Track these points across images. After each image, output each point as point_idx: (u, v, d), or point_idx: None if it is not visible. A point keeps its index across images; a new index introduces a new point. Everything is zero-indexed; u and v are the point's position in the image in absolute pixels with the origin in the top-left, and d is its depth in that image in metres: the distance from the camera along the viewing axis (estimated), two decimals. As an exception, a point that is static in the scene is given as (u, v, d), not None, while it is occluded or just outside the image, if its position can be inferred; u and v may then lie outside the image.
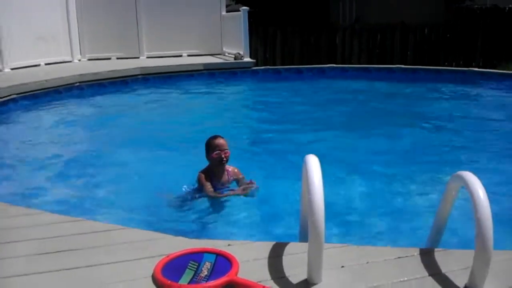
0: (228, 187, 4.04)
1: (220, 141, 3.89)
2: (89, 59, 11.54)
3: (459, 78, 9.73)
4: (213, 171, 3.97)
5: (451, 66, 12.47)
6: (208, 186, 3.87)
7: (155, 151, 5.34)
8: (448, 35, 13.17)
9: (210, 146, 3.90)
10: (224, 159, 3.89)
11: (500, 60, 13.41)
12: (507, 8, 22.05)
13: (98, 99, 8.46)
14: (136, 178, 4.50)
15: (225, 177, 4.05)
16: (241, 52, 10.76)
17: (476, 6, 28.81)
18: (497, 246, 1.90)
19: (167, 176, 4.46)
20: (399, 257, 2.19)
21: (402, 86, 9.63)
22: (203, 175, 3.94)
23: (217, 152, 3.85)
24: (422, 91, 9.29)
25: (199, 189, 3.91)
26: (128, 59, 11.34)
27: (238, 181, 4.11)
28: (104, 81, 9.11)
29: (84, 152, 5.46)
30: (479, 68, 11.67)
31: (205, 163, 4.00)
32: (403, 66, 11.16)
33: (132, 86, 9.35)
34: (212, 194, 3.83)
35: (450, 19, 15.97)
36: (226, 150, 3.89)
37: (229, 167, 4.09)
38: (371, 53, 12.95)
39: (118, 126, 6.78)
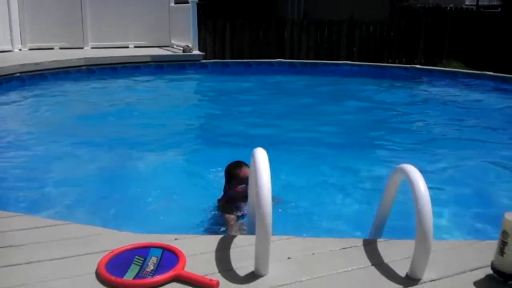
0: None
1: (247, 171, 3.10)
2: (30, 49, 11.04)
3: (402, 75, 10.07)
4: (236, 202, 3.34)
5: (395, 63, 12.86)
6: (235, 229, 3.17)
7: (97, 144, 5.20)
8: (392, 33, 13.56)
9: (234, 177, 3.26)
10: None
11: (441, 58, 13.98)
12: (448, 8, 22.99)
13: (40, 91, 8.12)
14: (78, 172, 4.36)
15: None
16: (190, 45, 10.65)
17: (419, 5, 29.89)
18: (437, 236, 1.98)
19: (108, 169, 4.36)
20: (343, 248, 2.24)
21: (348, 81, 9.85)
22: (229, 216, 3.25)
23: (242, 186, 3.16)
24: (367, 86, 9.54)
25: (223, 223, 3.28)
26: (72, 49, 10.95)
27: None
28: (46, 71, 8.75)
29: (24, 146, 5.25)
30: (421, 65, 12.11)
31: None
32: (349, 62, 11.41)
33: (76, 77, 9.04)
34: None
35: (394, 17, 16.48)
36: None
37: None
38: (319, 48, 13.14)
39: (61, 119, 6.55)
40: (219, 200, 3.46)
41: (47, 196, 3.81)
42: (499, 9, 17.41)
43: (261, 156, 2.03)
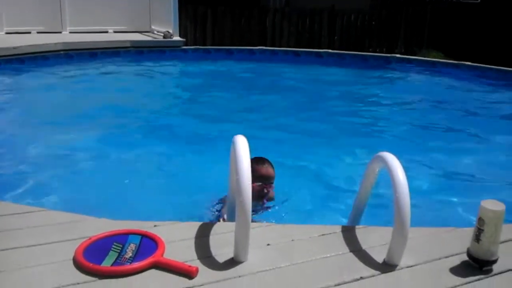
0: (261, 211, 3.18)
1: (269, 170, 2.98)
2: (7, 33, 10.77)
3: (382, 64, 10.13)
4: None
5: (375, 52, 12.92)
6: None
7: (74, 130, 5.13)
8: (373, 22, 13.61)
9: (253, 173, 3.26)
10: (266, 197, 3.02)
11: (421, 47, 14.10)
12: (427, -2, 23.07)
13: (17, 75, 7.95)
14: (56, 159, 4.30)
15: (260, 205, 3.18)
16: (171, 31, 10.52)
17: (400, -6, 29.96)
18: (415, 223, 2.00)
19: (86, 155, 4.31)
20: (322, 234, 2.26)
21: (329, 70, 9.88)
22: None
23: (259, 184, 2.94)
24: (348, 75, 9.58)
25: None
26: (50, 34, 10.72)
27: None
28: (23, 56, 8.56)
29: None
30: (401, 54, 12.19)
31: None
32: (330, 50, 11.43)
33: (54, 62, 8.86)
34: None
35: (375, 6, 16.53)
36: (271, 184, 3.02)
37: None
38: (301, 36, 13.12)
39: (37, 105, 6.43)
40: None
41: (23, 182, 3.75)
42: (479, 0, 17.59)
43: (241, 143, 2.02)
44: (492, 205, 1.95)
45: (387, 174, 2.02)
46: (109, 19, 11.53)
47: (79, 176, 3.89)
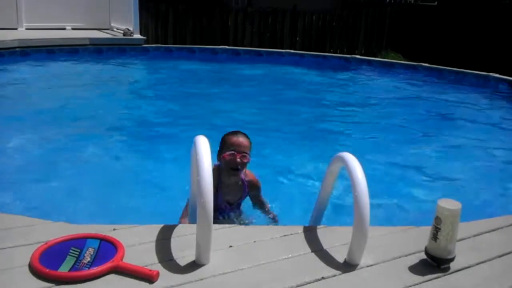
0: (238, 203, 3.05)
1: (239, 139, 2.81)
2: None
3: (343, 65, 10.28)
4: (222, 178, 2.90)
5: (336, 53, 13.10)
6: (184, 217, 2.72)
7: (29, 132, 4.97)
8: (334, 23, 13.80)
9: (224, 143, 2.86)
10: (238, 166, 2.81)
11: (380, 49, 14.41)
12: (388, 0, 23.60)
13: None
14: (10, 161, 4.15)
15: (237, 189, 2.98)
16: (131, 28, 10.35)
17: (360, -4, 30.50)
18: (374, 222, 2.04)
19: (42, 157, 4.19)
20: (284, 235, 2.27)
21: (290, 70, 9.94)
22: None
23: (230, 152, 2.79)
24: (309, 76, 9.67)
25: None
26: (5, 30, 10.34)
27: (252, 196, 3.10)
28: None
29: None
30: (361, 55, 12.42)
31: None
32: (292, 50, 11.51)
33: (9, 60, 8.56)
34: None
35: (336, 7, 16.74)
36: (244, 154, 2.80)
37: (247, 175, 2.99)
38: (263, 37, 13.17)
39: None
40: None
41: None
42: (435, 3, 18.11)
43: (202, 144, 2.00)
44: (448, 204, 2.01)
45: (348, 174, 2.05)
46: (67, 15, 11.22)
47: (34, 178, 3.76)
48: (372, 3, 19.81)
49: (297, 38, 13.39)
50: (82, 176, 3.87)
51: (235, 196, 2.99)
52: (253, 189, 3.06)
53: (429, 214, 2.06)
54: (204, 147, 1.98)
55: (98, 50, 9.74)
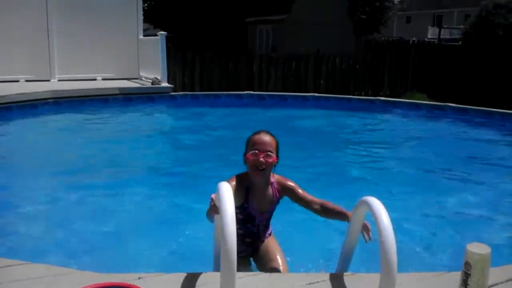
0: (269, 212, 2.80)
1: (262, 137, 2.65)
2: (-5, 81, 10.84)
3: (368, 106, 10.29)
4: (250, 182, 2.69)
5: (360, 95, 13.15)
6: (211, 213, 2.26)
7: (61, 179, 5.08)
8: (357, 66, 13.93)
9: (248, 144, 2.71)
10: (262, 166, 2.61)
11: (405, 90, 14.40)
12: (411, 41, 23.78)
13: (5, 124, 7.93)
14: (39, 209, 4.23)
15: (267, 194, 2.74)
16: (159, 77, 10.66)
17: (383, 38, 30.94)
18: (403, 268, 1.99)
19: (71, 205, 4.26)
20: (310, 283, 2.23)
21: (315, 113, 9.99)
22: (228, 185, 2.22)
23: (253, 152, 2.63)
24: (334, 118, 9.70)
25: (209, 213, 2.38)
26: (39, 82, 10.81)
27: (294, 200, 2.76)
28: (12, 104, 8.57)
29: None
30: (386, 97, 12.42)
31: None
32: (316, 94, 11.61)
33: (42, 110, 8.88)
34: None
35: (359, 50, 16.94)
36: (268, 153, 2.62)
37: (275, 178, 2.78)
38: (287, 81, 13.36)
39: (26, 153, 6.38)
40: None
41: (4, 234, 3.67)
42: (460, 42, 18.12)
43: (225, 191, 2.02)
44: (478, 248, 1.95)
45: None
46: (98, 66, 11.69)
47: (63, 227, 3.82)
48: (395, 45, 19.96)
49: (321, 81, 13.53)
50: (107, 223, 3.91)
51: (266, 203, 2.75)
52: (286, 191, 2.76)
53: (459, 259, 2.00)
54: (227, 194, 2.00)
55: (127, 99, 10.03)
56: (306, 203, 2.73)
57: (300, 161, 6.19)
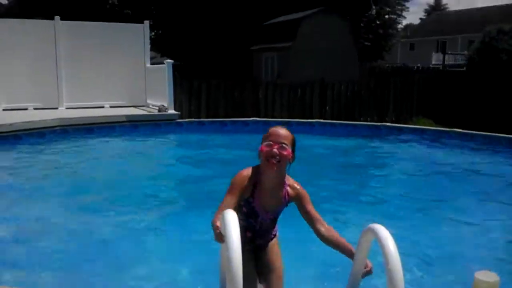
0: (275, 213, 2.69)
1: (278, 130, 2.58)
2: (3, 109, 11.00)
3: (373, 132, 10.30)
4: (261, 177, 2.58)
5: (366, 121, 13.19)
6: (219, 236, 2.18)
7: (70, 209, 5.10)
8: (362, 92, 14.02)
9: (263, 138, 2.62)
10: (275, 158, 2.50)
11: (411, 115, 14.44)
12: (415, 67, 23.95)
13: (13, 152, 8.00)
14: (50, 242, 4.24)
15: (276, 192, 2.62)
16: (165, 104, 10.77)
17: (387, 65, 31.18)
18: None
19: (79, 237, 4.26)
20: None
21: (320, 139, 10.02)
22: (239, 179, 2.53)
23: (267, 142, 2.54)
24: (340, 144, 9.71)
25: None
26: (47, 110, 10.95)
27: (300, 209, 2.65)
28: (20, 132, 8.67)
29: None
30: (391, 122, 12.45)
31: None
32: (322, 120, 11.67)
33: (50, 138, 8.96)
34: (221, 238, 2.14)
35: (364, 77, 17.06)
36: (283, 144, 2.52)
37: (289, 180, 2.68)
38: (292, 107, 13.44)
39: (34, 183, 6.40)
40: None
41: (23, 267, 3.67)
42: (464, 68, 18.23)
43: (231, 218, 2.03)
44: (486, 276, 1.94)
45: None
46: (106, 94, 11.86)
47: (76, 260, 3.82)
48: (400, 71, 20.11)
49: (327, 108, 13.61)
50: (117, 254, 3.91)
51: (272, 202, 2.62)
52: (296, 198, 2.64)
53: (468, 287, 1.98)
54: (233, 222, 2.01)
55: (134, 126, 10.12)
56: (312, 219, 2.62)
57: (305, 187, 6.17)
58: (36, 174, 6.83)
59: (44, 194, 5.73)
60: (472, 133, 9.35)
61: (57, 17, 11.75)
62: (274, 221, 2.77)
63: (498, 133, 9.02)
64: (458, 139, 9.22)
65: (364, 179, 7.03)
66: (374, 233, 2.15)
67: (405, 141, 9.64)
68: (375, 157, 8.63)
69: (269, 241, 2.80)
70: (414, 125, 12.52)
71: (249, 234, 2.69)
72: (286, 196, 2.64)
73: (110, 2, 29.71)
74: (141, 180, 6.62)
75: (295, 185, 2.68)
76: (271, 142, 2.52)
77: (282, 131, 2.58)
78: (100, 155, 8.30)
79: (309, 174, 7.06)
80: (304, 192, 2.68)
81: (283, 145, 2.52)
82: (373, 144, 9.62)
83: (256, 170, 2.60)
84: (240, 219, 2.36)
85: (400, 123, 12.72)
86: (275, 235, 2.86)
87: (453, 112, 14.11)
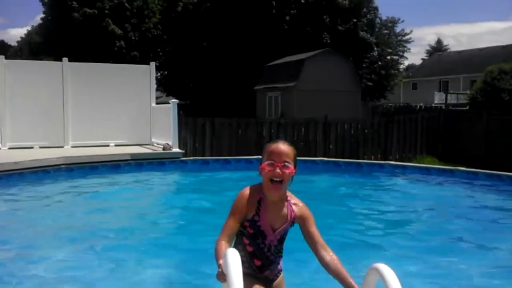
0: (282, 232, 2.57)
1: (280, 146, 2.49)
2: (9, 148, 11.10)
3: (377, 170, 10.29)
4: (263, 194, 2.52)
5: (370, 159, 13.20)
6: (221, 248, 2.27)
7: (73, 247, 5.07)
8: (366, 130, 14.09)
9: (264, 153, 2.54)
10: (279, 178, 2.44)
11: (415, 154, 14.44)
12: (418, 107, 24.14)
13: (17, 190, 8.02)
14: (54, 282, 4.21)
15: (281, 210, 2.55)
16: (170, 143, 10.85)
17: (390, 104, 31.46)
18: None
19: (83, 277, 4.23)
20: None
21: (325, 177, 10.01)
22: (243, 198, 2.48)
23: (269, 162, 2.46)
24: (344, 182, 9.69)
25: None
26: (52, 148, 11.04)
27: (303, 230, 2.57)
28: (25, 170, 8.71)
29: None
30: (395, 161, 12.45)
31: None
32: (325, 158, 11.68)
33: (55, 176, 9.00)
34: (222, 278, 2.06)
35: (367, 115, 17.18)
36: (285, 163, 2.46)
37: (293, 198, 2.62)
38: (296, 146, 13.44)
39: (36, 222, 6.39)
40: None
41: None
42: (467, 107, 18.36)
43: (232, 257, 2.03)
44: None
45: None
46: (111, 133, 11.99)
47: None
48: (403, 110, 20.25)
49: (330, 146, 13.65)
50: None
51: (278, 220, 2.53)
52: (300, 218, 2.56)
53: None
54: (234, 261, 2.00)
55: (139, 164, 10.17)
56: (316, 243, 2.52)
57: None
58: (38, 212, 6.81)
59: (42, 232, 5.69)
60: (476, 171, 9.34)
61: (65, 59, 12.03)
62: (281, 243, 2.63)
63: (505, 171, 9.00)
64: (462, 177, 9.20)
65: (367, 218, 6.98)
66: (379, 273, 2.13)
67: (409, 179, 9.61)
68: (379, 195, 8.59)
69: (276, 274, 2.67)
70: (418, 163, 12.51)
71: (257, 263, 2.58)
72: (292, 214, 2.56)
73: (118, 44, 30.41)
74: (143, 221, 6.59)
75: (300, 204, 2.61)
76: (273, 162, 2.45)
77: (284, 147, 2.49)
78: (104, 194, 8.28)
79: (312, 211, 7.03)
80: (309, 213, 2.60)
81: (286, 163, 2.45)
82: (377, 183, 9.60)
83: (259, 188, 2.54)
84: (246, 245, 2.44)
85: (404, 161, 12.72)
86: (281, 270, 2.74)
87: (458, 151, 14.11)
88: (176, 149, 10.82)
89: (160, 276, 4.35)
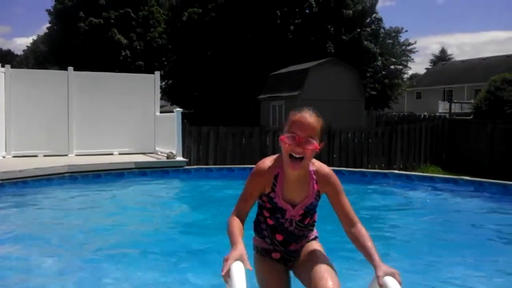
0: (306, 207, 2.33)
1: (305, 117, 2.16)
2: (14, 156, 11.15)
3: (381, 180, 10.26)
4: (281, 167, 2.27)
5: (374, 168, 13.18)
6: (235, 231, 2.22)
7: (74, 256, 5.07)
8: (370, 140, 14.08)
9: (287, 121, 2.24)
10: (297, 154, 2.16)
11: (419, 163, 14.41)
12: (422, 116, 24.12)
13: (20, 198, 8.04)
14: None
15: (303, 185, 2.30)
16: (174, 152, 10.87)
17: (394, 113, 31.44)
18: None
19: (87, 282, 4.23)
20: None
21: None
22: (259, 172, 2.25)
23: (290, 135, 2.17)
24: (348, 191, 9.64)
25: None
26: (56, 157, 11.08)
27: (331, 200, 2.39)
28: (28, 179, 8.75)
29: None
30: (399, 170, 12.42)
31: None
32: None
33: (58, 184, 9.03)
34: (236, 254, 2.05)
35: (371, 124, 17.16)
36: (308, 138, 2.16)
37: (315, 166, 2.34)
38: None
39: (40, 229, 6.40)
40: None
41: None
42: (471, 116, 18.34)
43: (238, 270, 2.02)
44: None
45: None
46: (115, 141, 12.03)
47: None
48: (407, 119, 20.25)
49: (334, 155, 13.64)
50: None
51: (298, 195, 2.28)
52: (327, 187, 2.33)
53: None
54: (239, 274, 2.00)
55: (143, 173, 10.19)
56: (344, 215, 2.34)
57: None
58: (38, 220, 6.82)
59: (43, 241, 5.69)
60: (481, 181, 9.29)
61: (70, 68, 12.12)
62: (306, 218, 2.38)
63: (509, 181, 8.96)
64: (466, 186, 9.15)
65: (372, 228, 6.95)
66: (384, 284, 2.13)
67: (413, 188, 9.58)
68: (383, 204, 8.56)
69: (303, 246, 2.38)
70: (422, 172, 12.47)
71: (279, 237, 2.35)
72: (315, 187, 2.32)
73: (123, 54, 30.62)
74: (146, 228, 6.59)
75: (325, 169, 2.34)
76: (294, 135, 2.15)
77: (311, 119, 2.17)
78: (107, 202, 8.29)
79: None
80: (336, 179, 2.35)
81: (310, 139, 2.16)
82: (381, 192, 9.56)
83: (278, 160, 2.28)
84: (266, 218, 2.29)
85: (408, 170, 12.69)
86: (314, 238, 2.47)
87: (462, 160, 14.07)
88: (180, 158, 10.84)
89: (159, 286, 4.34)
